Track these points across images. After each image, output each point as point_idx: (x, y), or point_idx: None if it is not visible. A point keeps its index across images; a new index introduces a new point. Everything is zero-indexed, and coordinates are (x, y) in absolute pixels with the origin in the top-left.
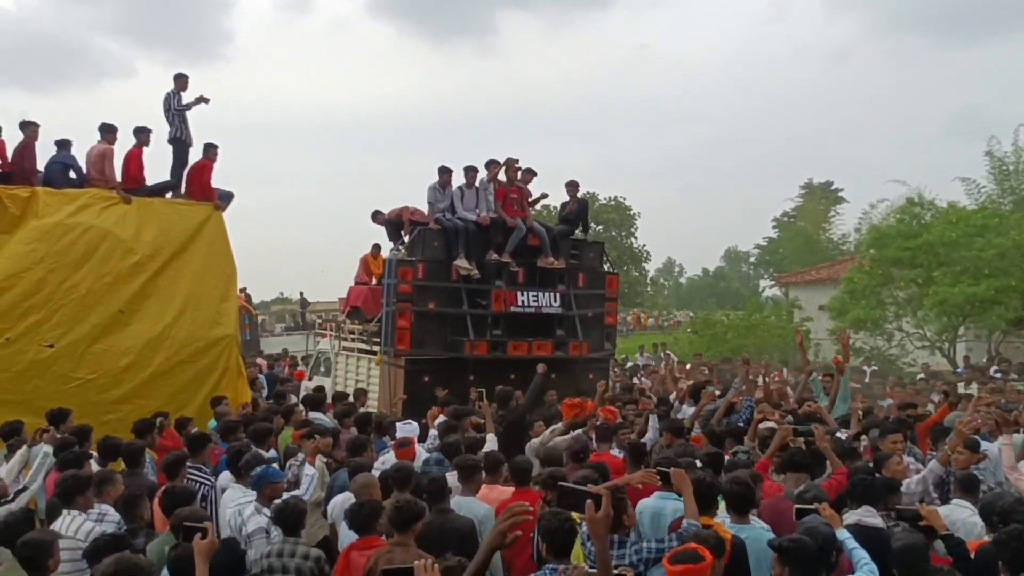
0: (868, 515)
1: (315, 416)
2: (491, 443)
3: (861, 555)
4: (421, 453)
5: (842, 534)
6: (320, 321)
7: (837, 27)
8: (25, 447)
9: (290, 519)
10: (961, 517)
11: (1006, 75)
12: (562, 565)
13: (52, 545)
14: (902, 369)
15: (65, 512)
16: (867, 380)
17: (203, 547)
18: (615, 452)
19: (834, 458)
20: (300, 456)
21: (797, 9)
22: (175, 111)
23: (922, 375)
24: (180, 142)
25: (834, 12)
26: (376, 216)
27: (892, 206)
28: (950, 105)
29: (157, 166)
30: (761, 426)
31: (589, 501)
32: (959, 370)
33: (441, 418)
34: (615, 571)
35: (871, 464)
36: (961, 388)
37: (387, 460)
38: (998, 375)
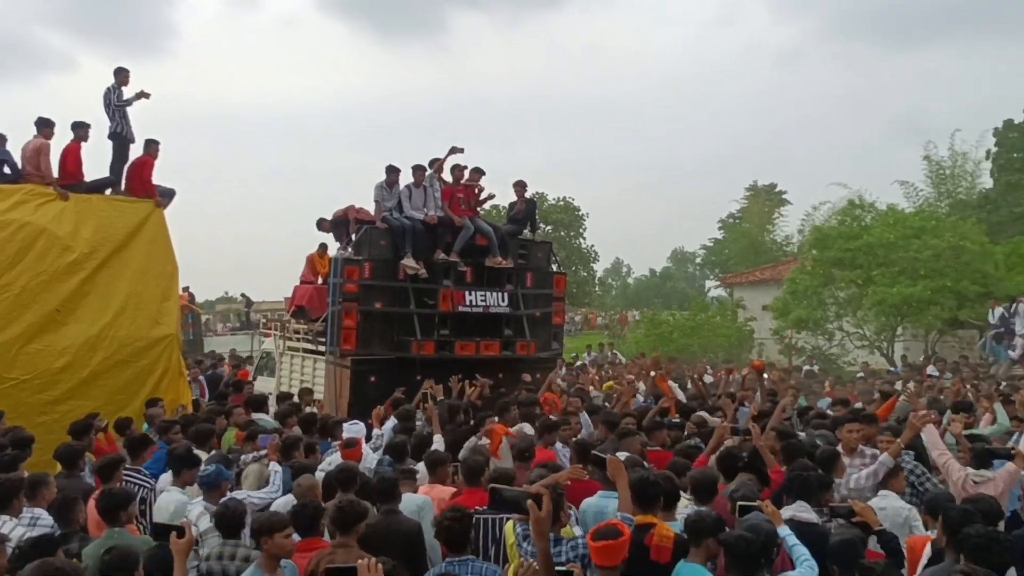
0: (802, 510)
1: (258, 417)
2: (438, 444)
3: (801, 551)
4: (367, 453)
5: (783, 531)
6: (265, 321)
7: (785, 30)
8: None
9: (231, 521)
10: (893, 505)
11: (944, 81)
12: (459, 558)
13: None
14: (842, 368)
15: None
16: (802, 377)
17: (181, 545)
18: (559, 449)
19: (769, 456)
20: (246, 457)
21: (746, 12)
22: (115, 106)
23: (861, 374)
24: (120, 137)
25: (782, 16)
26: (320, 223)
27: (834, 208)
28: (891, 110)
29: (96, 162)
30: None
31: (530, 501)
32: (896, 369)
33: (392, 420)
34: (562, 568)
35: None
36: (898, 386)
37: (333, 461)
38: (935, 374)
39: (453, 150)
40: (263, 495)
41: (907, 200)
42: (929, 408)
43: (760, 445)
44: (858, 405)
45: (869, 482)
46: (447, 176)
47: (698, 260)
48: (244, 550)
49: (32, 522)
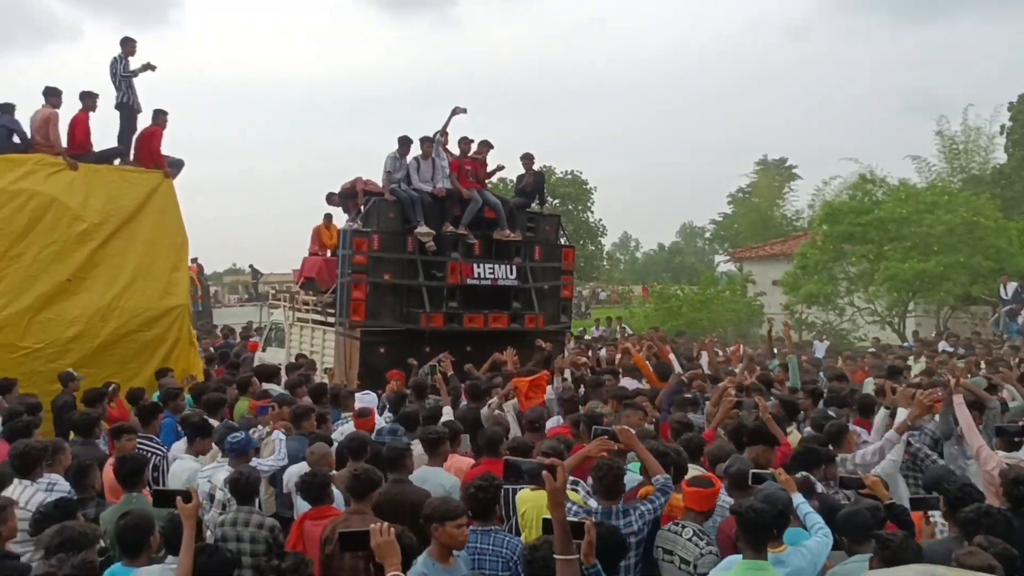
0: None
1: (269, 387)
2: (446, 415)
3: (816, 519)
4: (379, 423)
5: (797, 498)
6: (274, 292)
7: (794, 2)
8: None
9: (245, 488)
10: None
11: (957, 55)
12: (483, 527)
13: (5, 511)
14: (853, 344)
15: (16, 481)
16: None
17: (189, 510)
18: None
19: (776, 429)
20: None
21: None
22: (121, 76)
23: (872, 349)
24: (128, 107)
25: None
26: (330, 197)
27: (845, 183)
28: (903, 83)
29: (103, 132)
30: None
31: (546, 472)
32: (907, 344)
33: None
34: (574, 520)
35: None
36: (910, 362)
37: (345, 431)
38: (947, 350)
39: (455, 111)
40: (271, 462)
41: (919, 175)
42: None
43: (766, 417)
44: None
45: (875, 459)
46: (454, 148)
47: (707, 234)
48: (258, 516)
49: (49, 487)
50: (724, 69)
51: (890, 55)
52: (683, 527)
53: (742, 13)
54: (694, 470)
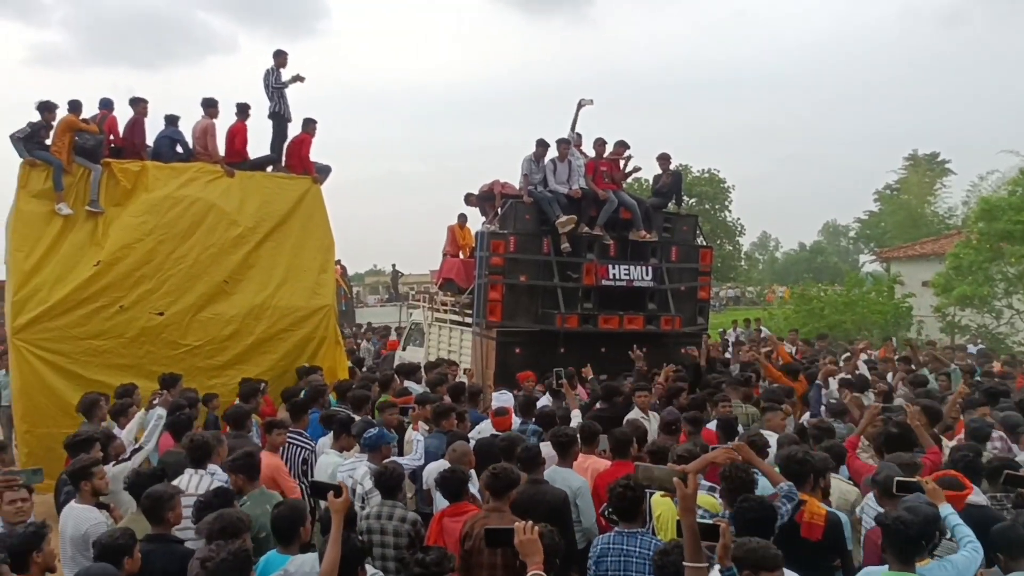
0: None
1: (409, 384)
2: (575, 420)
3: (964, 531)
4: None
5: (945, 510)
6: (413, 293)
7: None
8: (142, 411)
9: (389, 482)
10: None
11: None
12: (629, 529)
13: (173, 498)
14: (1011, 348)
15: (191, 471)
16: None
17: (338, 505)
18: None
19: (926, 437)
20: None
21: None
22: (273, 88)
23: None
24: (279, 117)
25: None
26: (468, 198)
27: (1003, 178)
28: None
29: (257, 140)
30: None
31: (677, 479)
32: None
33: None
34: (706, 522)
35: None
36: None
37: (482, 429)
38: None
39: (581, 103)
40: (406, 461)
41: None
42: None
43: (915, 424)
44: None
45: None
46: (589, 149)
47: (852, 233)
48: (401, 510)
49: (211, 475)
50: (871, 60)
51: None
52: None
53: (892, 3)
54: (834, 479)
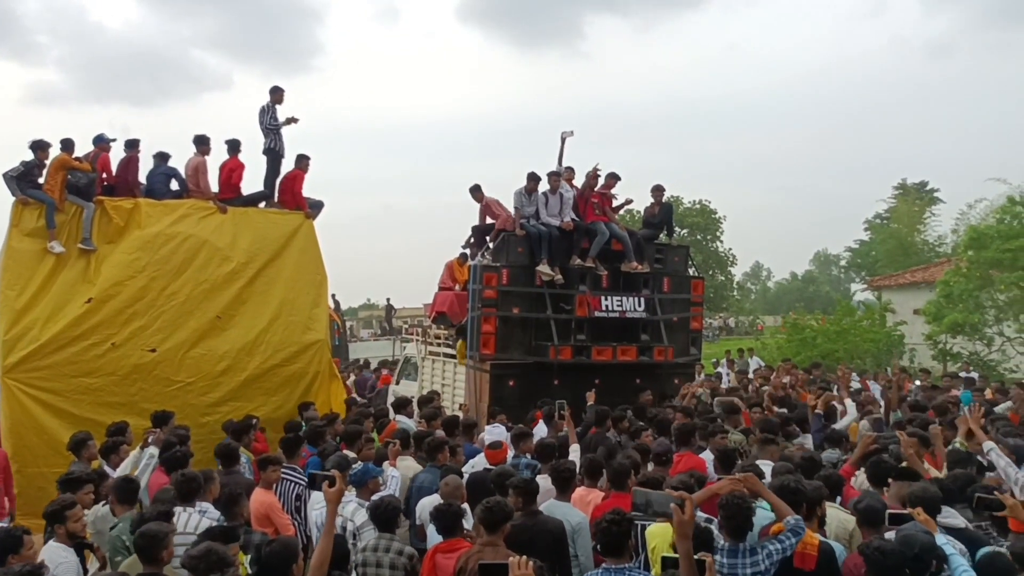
0: (947, 516)
1: (399, 419)
2: (574, 454)
3: (959, 562)
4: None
5: (940, 539)
6: (406, 326)
7: (937, 20)
8: (137, 449)
9: (385, 515)
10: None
11: None
12: (616, 565)
13: (167, 537)
14: (1003, 375)
15: (180, 509)
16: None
17: (333, 495)
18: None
19: (919, 465)
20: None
21: (894, 3)
22: (267, 126)
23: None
24: (274, 153)
25: (933, 5)
26: (475, 192)
27: (992, 206)
28: None
29: (250, 176)
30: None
31: (674, 505)
32: None
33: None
34: (696, 556)
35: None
36: None
37: (476, 463)
38: None
39: (564, 136)
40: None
41: None
42: None
43: (910, 453)
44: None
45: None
46: (582, 182)
47: (843, 262)
48: (398, 544)
49: (201, 514)
50: (860, 91)
51: None
52: None
53: (880, 34)
54: (831, 508)
